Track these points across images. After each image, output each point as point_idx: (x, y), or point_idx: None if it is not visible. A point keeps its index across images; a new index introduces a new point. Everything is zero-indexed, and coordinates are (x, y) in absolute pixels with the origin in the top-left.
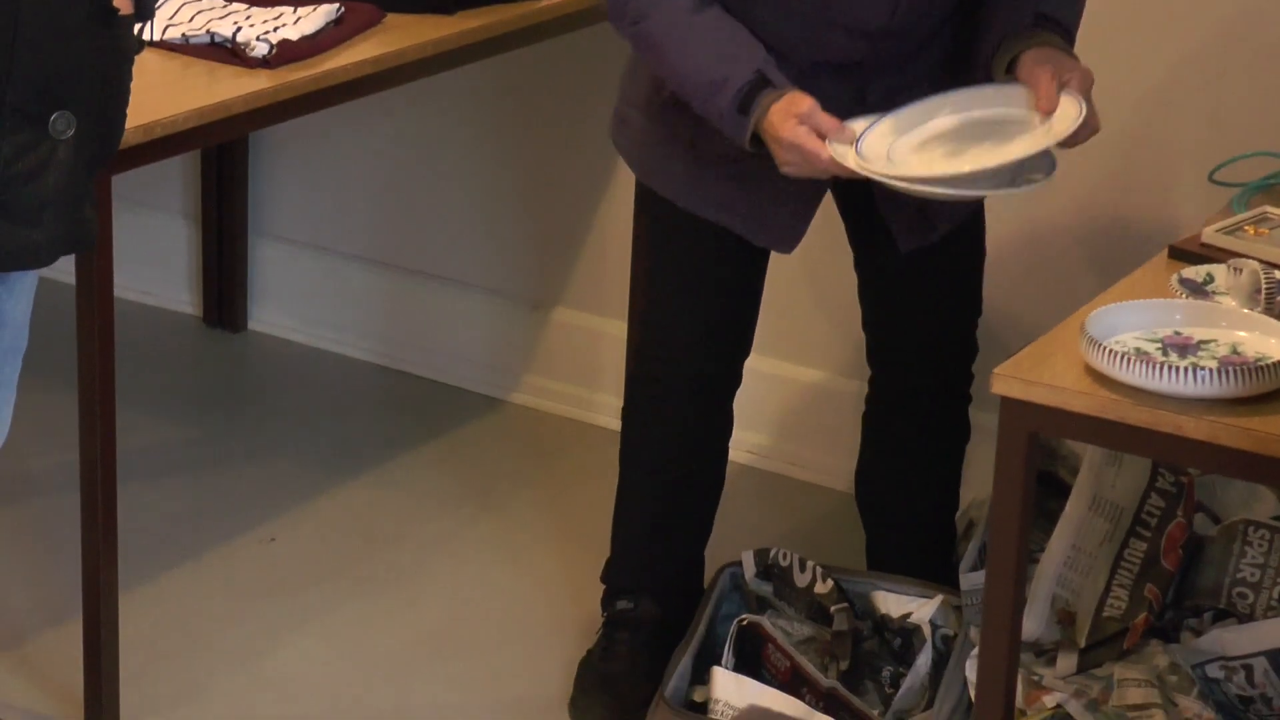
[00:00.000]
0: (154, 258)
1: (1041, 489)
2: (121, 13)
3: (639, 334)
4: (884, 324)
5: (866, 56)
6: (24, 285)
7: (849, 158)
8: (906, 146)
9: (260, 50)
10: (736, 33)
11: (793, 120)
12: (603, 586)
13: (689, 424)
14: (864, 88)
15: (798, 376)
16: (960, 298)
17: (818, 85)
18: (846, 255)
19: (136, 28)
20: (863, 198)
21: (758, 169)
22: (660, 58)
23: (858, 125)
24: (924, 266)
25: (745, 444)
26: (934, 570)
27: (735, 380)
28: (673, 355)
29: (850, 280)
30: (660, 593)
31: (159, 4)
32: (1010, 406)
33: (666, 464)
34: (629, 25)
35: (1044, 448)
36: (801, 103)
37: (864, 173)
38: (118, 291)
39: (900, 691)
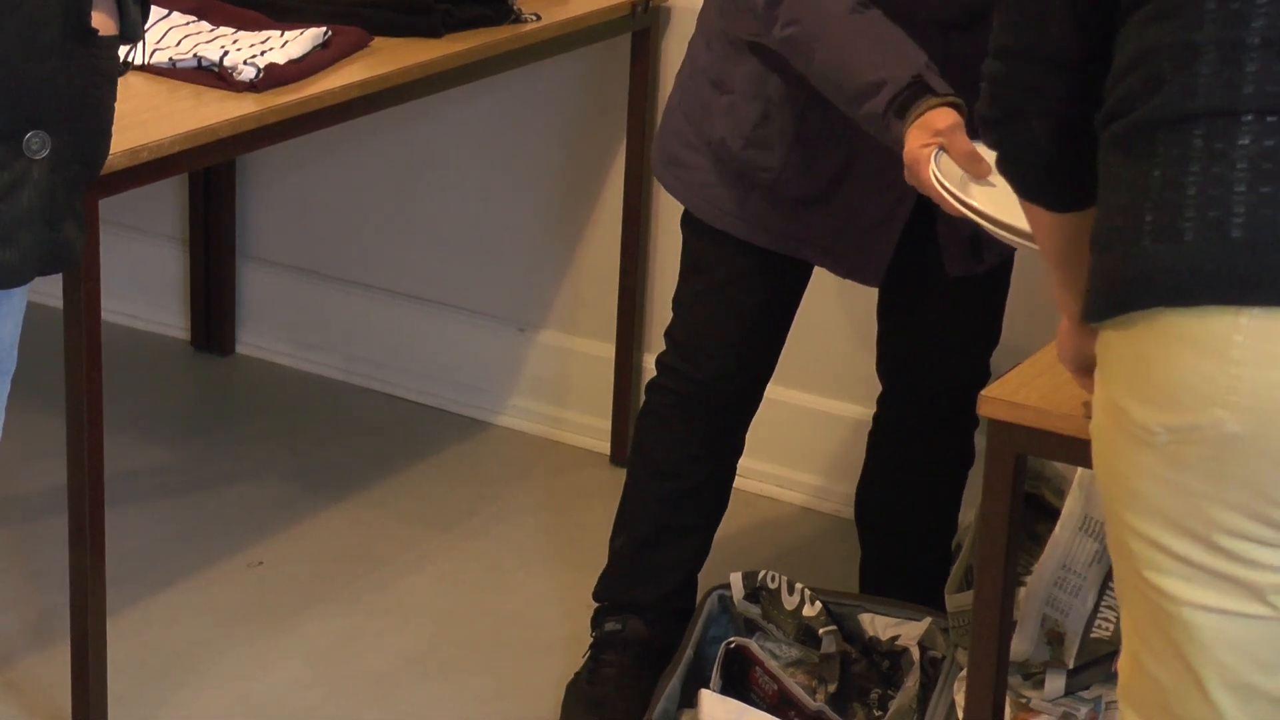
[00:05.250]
0: (141, 281)
1: (1026, 510)
2: (102, 33)
3: (669, 349)
4: (903, 345)
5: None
6: (10, 307)
7: (948, 185)
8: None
9: (247, 74)
10: (895, 35)
11: (926, 134)
12: (592, 607)
13: (703, 436)
14: (948, 46)
15: (788, 400)
16: (983, 327)
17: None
18: (847, 281)
19: (123, 49)
20: (921, 216)
21: (839, 204)
22: (813, 61)
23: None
24: (956, 293)
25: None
26: (928, 592)
27: (755, 401)
28: (699, 373)
29: (845, 305)
30: (650, 613)
31: (146, 28)
32: (997, 429)
33: (675, 472)
34: (780, 28)
35: (1028, 469)
36: (944, 118)
37: (956, 204)
38: (105, 315)
39: (888, 714)
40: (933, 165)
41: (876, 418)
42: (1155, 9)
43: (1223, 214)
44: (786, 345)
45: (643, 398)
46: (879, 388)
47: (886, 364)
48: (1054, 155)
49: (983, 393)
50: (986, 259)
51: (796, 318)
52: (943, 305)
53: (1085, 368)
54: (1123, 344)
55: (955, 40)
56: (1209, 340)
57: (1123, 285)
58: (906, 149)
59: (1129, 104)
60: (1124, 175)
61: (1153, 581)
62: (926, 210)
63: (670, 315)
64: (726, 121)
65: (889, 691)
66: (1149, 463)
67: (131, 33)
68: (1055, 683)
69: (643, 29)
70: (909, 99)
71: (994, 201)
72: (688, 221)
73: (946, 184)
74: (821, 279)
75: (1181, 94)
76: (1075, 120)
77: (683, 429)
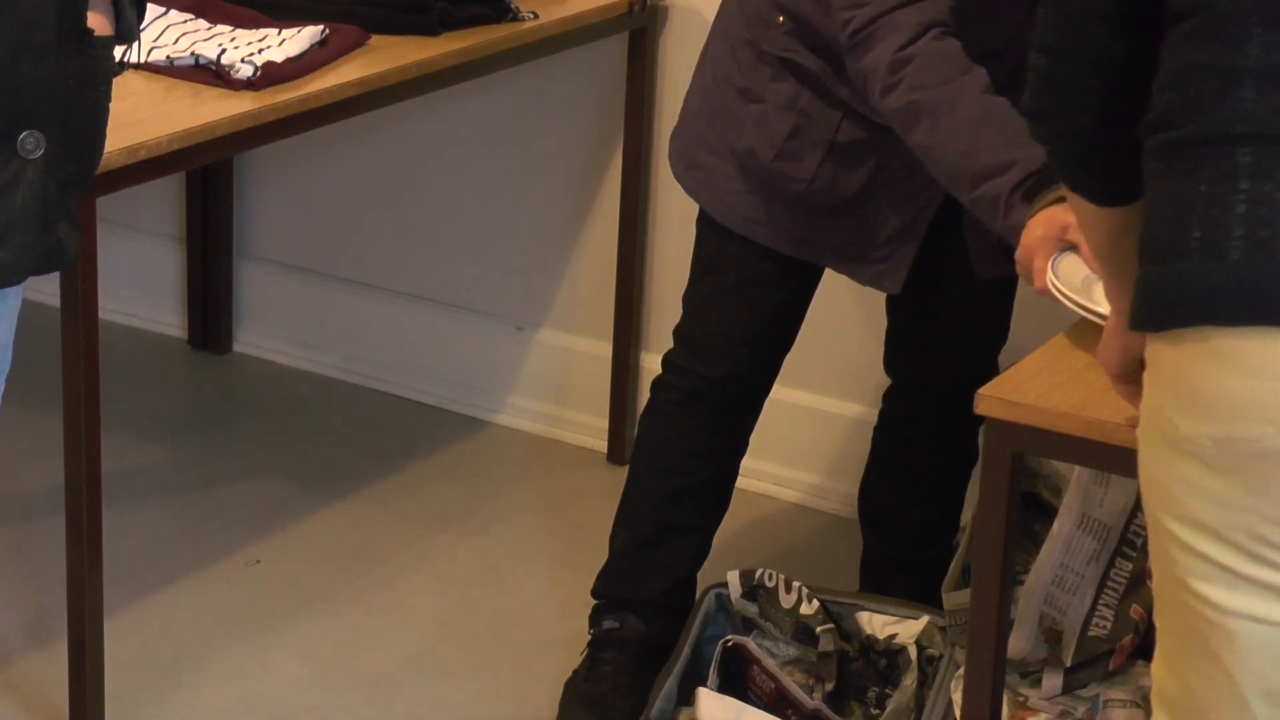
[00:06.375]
0: (139, 280)
1: (1024, 509)
2: (98, 34)
3: (678, 347)
4: (912, 342)
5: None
6: (5, 307)
7: (1068, 292)
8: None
9: (245, 72)
10: (1023, 122)
11: (1053, 227)
12: (590, 605)
13: (709, 435)
14: (1015, 70)
15: (786, 398)
16: (993, 325)
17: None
18: (844, 279)
19: (119, 50)
20: (946, 221)
21: (864, 214)
22: (936, 129)
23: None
24: (966, 291)
25: None
26: (929, 589)
27: (761, 402)
28: (711, 372)
29: (846, 304)
30: (648, 610)
31: (142, 27)
32: (994, 427)
33: (678, 470)
34: (905, 92)
35: (1025, 468)
36: (1066, 216)
37: (1078, 310)
38: (102, 314)
39: (885, 712)
40: (1050, 273)
41: (882, 413)
42: (1196, 27)
43: (1271, 234)
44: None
45: (641, 396)
46: (878, 386)
47: (894, 360)
48: (1093, 151)
49: (980, 391)
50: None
51: None
52: (953, 303)
53: (1128, 374)
54: (1170, 356)
55: (991, 65)
56: (1256, 359)
57: (1170, 301)
58: (1025, 238)
59: (1170, 119)
60: (1169, 187)
61: (1196, 590)
62: (945, 214)
63: (672, 313)
64: (756, 132)
65: (886, 690)
66: (1193, 473)
67: (127, 33)
68: (1053, 681)
69: (640, 28)
70: (1037, 185)
71: None
72: (706, 222)
73: (1066, 291)
74: (827, 279)
75: (1225, 119)
76: (1115, 117)
77: (689, 427)
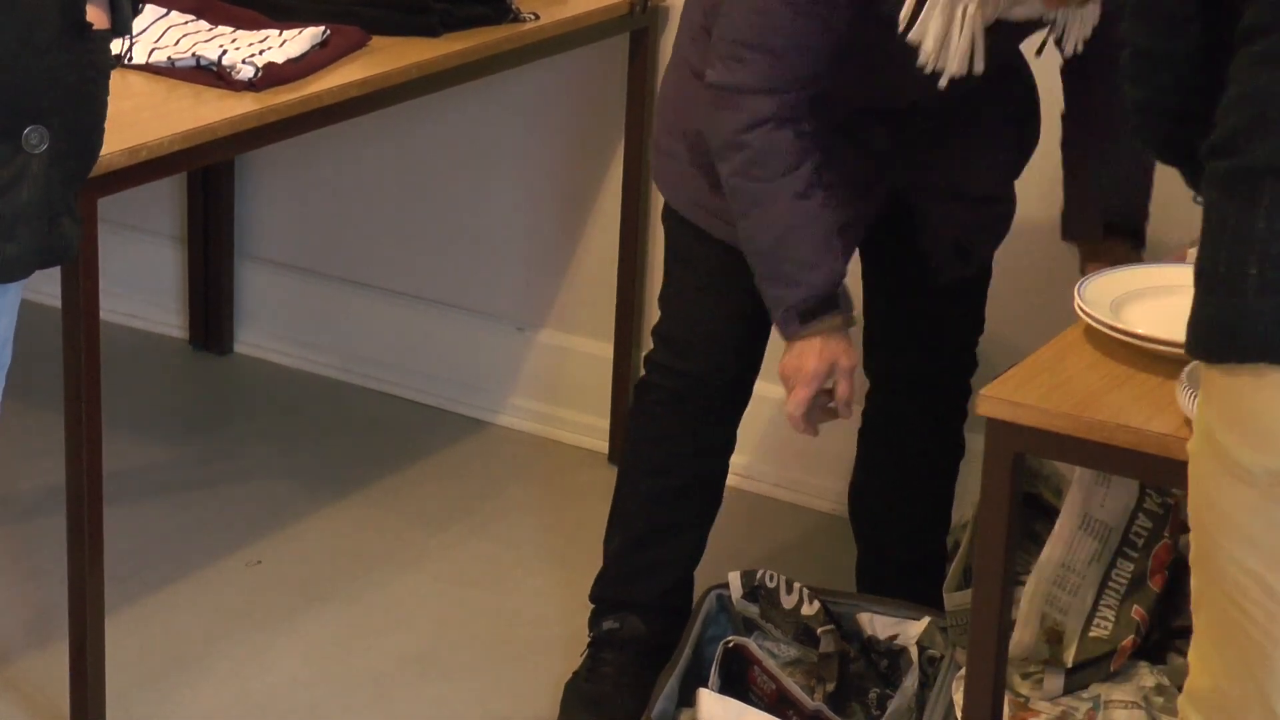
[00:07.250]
0: (140, 280)
1: (1024, 510)
2: (96, 27)
3: (659, 347)
4: (889, 339)
5: (909, 108)
6: (6, 303)
7: (1097, 314)
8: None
9: (246, 73)
10: (829, 236)
11: (817, 365)
12: (590, 607)
13: (695, 432)
14: (902, 128)
15: (783, 397)
16: (967, 317)
17: (860, 126)
18: None
19: (115, 43)
20: (898, 226)
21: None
22: (746, 218)
23: None
24: (936, 287)
25: (732, 465)
26: (925, 588)
27: (745, 396)
28: (693, 368)
29: None
30: (647, 611)
31: (143, 29)
32: (996, 428)
33: (667, 469)
34: (732, 175)
35: (1026, 468)
36: (836, 350)
37: (1106, 330)
38: (103, 314)
39: (887, 713)
40: (1077, 296)
41: (865, 413)
42: (1267, 50)
43: None
44: (779, 342)
45: None
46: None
47: (874, 358)
48: (1171, 144)
49: (982, 391)
50: (973, 260)
51: None
52: (926, 298)
53: None
54: (1224, 383)
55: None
56: None
57: (1226, 335)
58: (796, 362)
59: (1233, 145)
60: (1228, 218)
61: (1244, 608)
62: (902, 214)
63: None
64: (705, 114)
65: (887, 691)
66: (1248, 498)
67: (123, 26)
68: (1054, 682)
69: (641, 29)
70: (815, 309)
71: (1153, 319)
72: (670, 214)
73: (1094, 314)
74: None
75: None
76: (1184, 113)
77: (674, 426)
